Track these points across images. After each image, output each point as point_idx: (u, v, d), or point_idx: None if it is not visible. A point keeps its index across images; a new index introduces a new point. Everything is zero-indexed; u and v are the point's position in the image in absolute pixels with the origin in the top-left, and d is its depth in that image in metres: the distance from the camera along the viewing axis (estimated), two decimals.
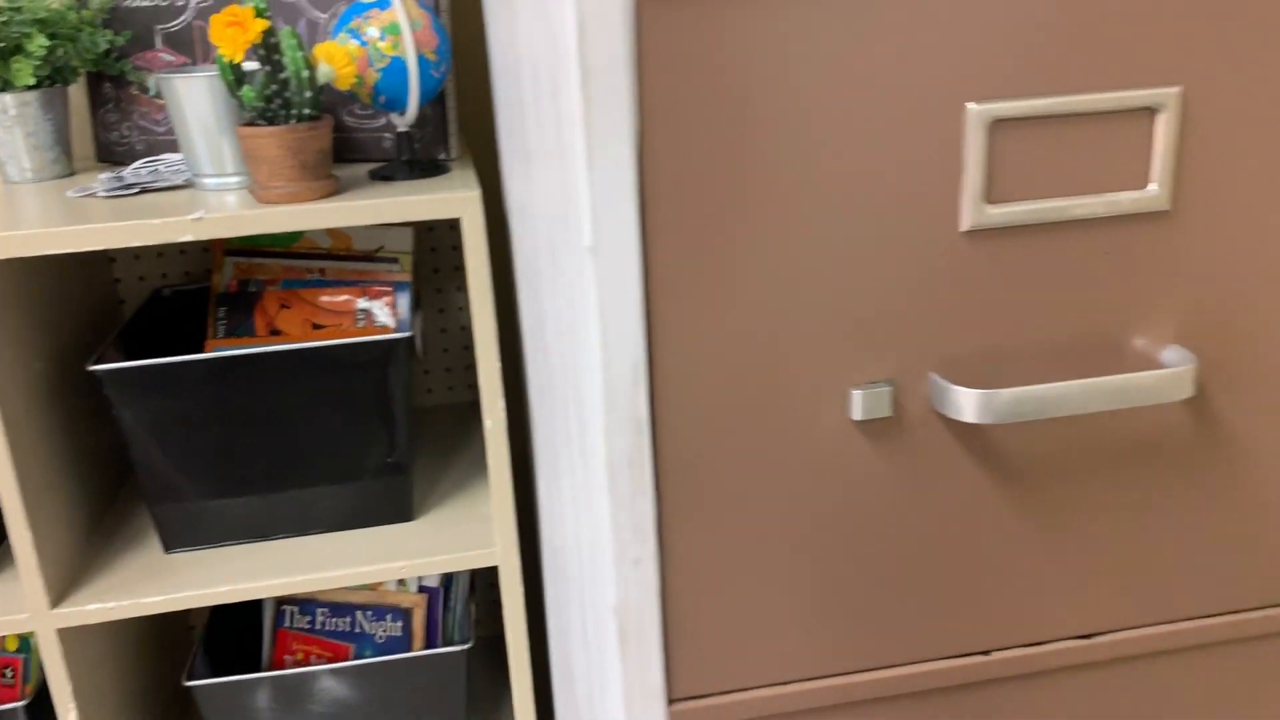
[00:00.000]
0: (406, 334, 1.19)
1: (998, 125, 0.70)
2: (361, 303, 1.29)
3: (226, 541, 1.22)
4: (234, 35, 1.02)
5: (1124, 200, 0.73)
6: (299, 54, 1.04)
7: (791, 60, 0.67)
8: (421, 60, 1.11)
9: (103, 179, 1.15)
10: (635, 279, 0.68)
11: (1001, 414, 0.72)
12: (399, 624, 1.37)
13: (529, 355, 1.11)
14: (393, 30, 1.10)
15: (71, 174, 1.23)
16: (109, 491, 1.33)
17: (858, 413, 0.74)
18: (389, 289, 1.29)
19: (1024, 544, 0.81)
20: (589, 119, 0.65)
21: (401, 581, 1.37)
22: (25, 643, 1.28)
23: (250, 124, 1.07)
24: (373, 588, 1.37)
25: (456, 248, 1.51)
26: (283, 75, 1.04)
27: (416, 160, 1.18)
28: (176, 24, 1.22)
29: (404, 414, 1.21)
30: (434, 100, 1.20)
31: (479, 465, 1.38)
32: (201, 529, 1.21)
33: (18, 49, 1.14)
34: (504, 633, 1.24)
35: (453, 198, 1.08)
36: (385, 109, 1.14)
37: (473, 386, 1.56)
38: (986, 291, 0.74)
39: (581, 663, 0.97)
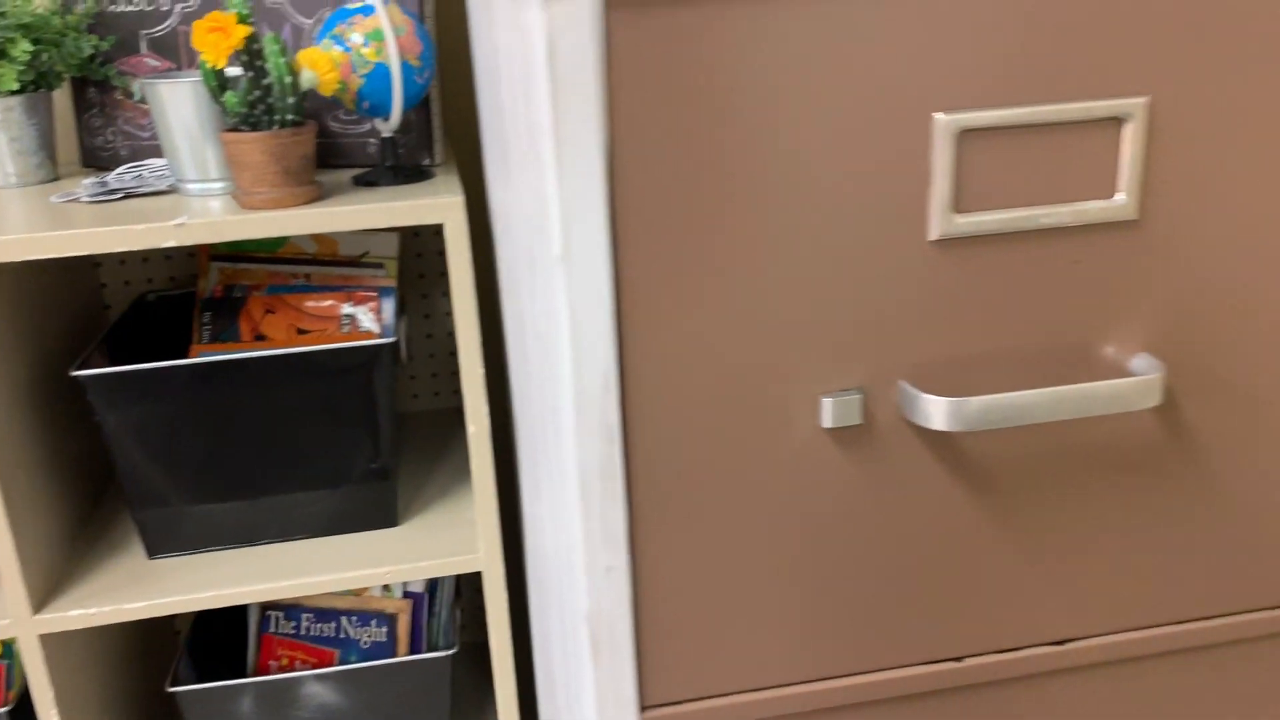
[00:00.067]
0: (390, 339, 1.19)
1: (965, 135, 0.71)
2: (346, 308, 1.30)
3: (210, 547, 1.23)
4: (216, 41, 1.03)
5: (1092, 209, 0.74)
6: (282, 60, 1.05)
7: (761, 72, 0.68)
8: (405, 66, 1.12)
9: (87, 184, 1.16)
10: (605, 288, 0.70)
11: (970, 422, 0.73)
12: (384, 629, 1.38)
13: (512, 361, 1.13)
14: (376, 36, 1.11)
15: (56, 179, 1.25)
16: (92, 497, 1.34)
17: (828, 420, 0.76)
18: (374, 294, 1.30)
19: (995, 551, 0.82)
20: (558, 129, 0.66)
21: (386, 587, 1.38)
22: (8, 649, 1.29)
23: (233, 129, 1.08)
24: (357, 593, 1.38)
25: (443, 253, 1.52)
26: (266, 81, 1.05)
27: (400, 166, 1.19)
28: (161, 29, 1.23)
29: (388, 419, 1.22)
30: (418, 106, 1.22)
31: (464, 471, 1.39)
32: (185, 534, 1.22)
33: (1, 54, 1.15)
34: (488, 639, 1.25)
35: (435, 203, 1.09)
36: (369, 115, 1.15)
37: (458, 392, 1.57)
38: (956, 300, 0.75)
39: (561, 670, 0.98)
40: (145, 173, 1.20)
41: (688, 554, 0.77)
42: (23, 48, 1.15)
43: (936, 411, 0.73)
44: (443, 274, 1.53)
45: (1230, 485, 0.84)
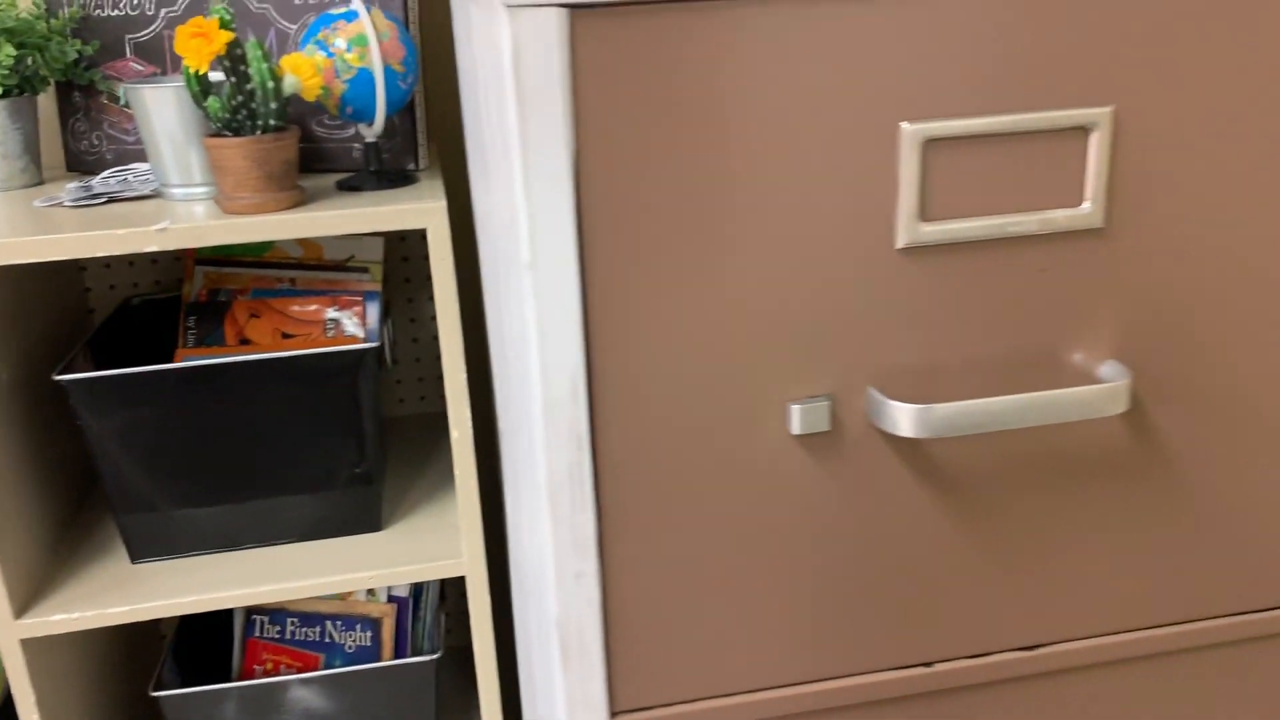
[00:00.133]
0: (374, 344, 1.20)
1: (931, 144, 0.72)
2: (331, 312, 1.31)
3: (194, 551, 1.24)
4: (198, 46, 1.04)
5: (1058, 218, 0.75)
6: (264, 65, 1.06)
7: (728, 81, 0.69)
8: (388, 71, 1.13)
9: (71, 188, 1.17)
10: (573, 295, 0.71)
11: (937, 428, 0.74)
12: (368, 634, 1.39)
13: (494, 367, 1.14)
14: (360, 42, 1.12)
15: (40, 183, 1.26)
16: (76, 501, 1.34)
17: (796, 427, 0.77)
18: (358, 299, 1.31)
19: (965, 556, 0.83)
20: (525, 137, 0.67)
21: (371, 591, 1.39)
22: None
23: (216, 135, 1.09)
24: (342, 598, 1.39)
25: (428, 258, 1.53)
26: (248, 86, 1.06)
27: (384, 171, 1.20)
28: (146, 34, 1.24)
29: (373, 424, 1.23)
30: (403, 111, 1.23)
31: (449, 475, 1.40)
32: (168, 539, 1.22)
33: None
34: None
35: (418, 208, 1.10)
36: (353, 120, 1.16)
37: (444, 397, 1.58)
38: (923, 308, 0.76)
39: (540, 675, 0.99)
40: (130, 177, 1.21)
41: (657, 560, 0.78)
42: (6, 52, 1.16)
43: (903, 418, 0.74)
44: (429, 279, 1.54)
45: (1199, 491, 0.85)
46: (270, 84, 1.07)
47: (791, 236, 0.73)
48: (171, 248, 1.05)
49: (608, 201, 0.70)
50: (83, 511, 1.36)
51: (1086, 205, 0.76)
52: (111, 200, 1.17)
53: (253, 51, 1.05)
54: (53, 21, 1.21)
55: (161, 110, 1.14)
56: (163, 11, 1.24)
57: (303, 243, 1.34)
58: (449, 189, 1.52)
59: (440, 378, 1.57)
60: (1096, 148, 0.75)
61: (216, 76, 1.09)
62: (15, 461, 1.17)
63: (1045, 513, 0.83)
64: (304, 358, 1.18)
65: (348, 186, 1.18)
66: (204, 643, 1.43)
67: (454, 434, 1.18)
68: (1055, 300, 0.78)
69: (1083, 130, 0.75)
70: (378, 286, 1.33)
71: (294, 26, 1.24)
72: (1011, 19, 0.72)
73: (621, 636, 0.80)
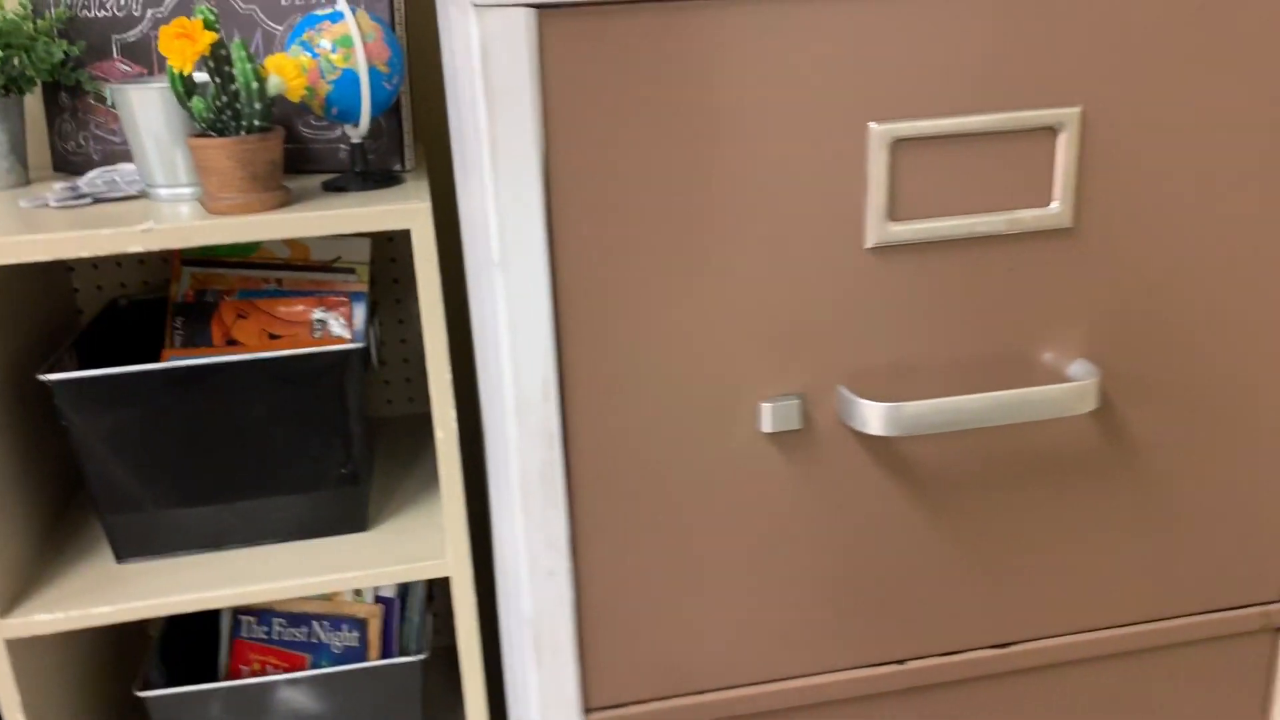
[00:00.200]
0: (360, 345, 1.21)
1: (899, 144, 0.73)
2: (317, 313, 1.31)
3: (179, 552, 1.25)
4: (183, 47, 1.05)
5: (1026, 218, 0.76)
6: (248, 66, 1.06)
7: (697, 80, 0.70)
8: (373, 72, 1.14)
9: (57, 189, 1.18)
10: (544, 293, 0.72)
11: (906, 427, 0.75)
12: (355, 634, 1.40)
13: (478, 367, 1.14)
14: (345, 43, 1.13)
15: (27, 184, 1.26)
16: (62, 501, 1.35)
17: (767, 425, 0.77)
18: (345, 299, 1.32)
19: (937, 554, 0.83)
20: (494, 136, 0.68)
21: (358, 592, 1.40)
22: None
23: (201, 135, 1.10)
24: (329, 598, 1.40)
25: None
26: (233, 87, 1.07)
27: (370, 171, 1.21)
28: (133, 34, 1.25)
29: (359, 424, 1.24)
30: (389, 112, 1.23)
31: (436, 476, 1.40)
32: (154, 539, 1.23)
33: None
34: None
35: (403, 209, 1.11)
36: (338, 120, 1.17)
37: None
38: (893, 307, 0.77)
39: (517, 673, 1.00)
40: (116, 177, 1.22)
41: (629, 558, 0.79)
42: None
43: (873, 416, 0.75)
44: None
45: (1168, 489, 0.86)
46: (254, 85, 1.07)
47: (762, 236, 0.74)
48: (156, 248, 1.06)
49: (578, 200, 0.71)
50: (69, 511, 1.37)
51: (1055, 205, 0.77)
52: (97, 201, 1.18)
53: (237, 52, 1.06)
54: (39, 22, 1.22)
55: (147, 111, 1.14)
56: (149, 12, 1.25)
57: (290, 243, 1.35)
58: (435, 190, 1.53)
59: (427, 378, 1.58)
60: (1064, 148, 0.76)
61: (201, 77, 1.10)
62: (1, 462, 1.18)
63: (1016, 511, 0.84)
64: (290, 358, 1.19)
65: (333, 187, 1.19)
66: (191, 643, 1.43)
67: (439, 434, 1.18)
68: (1024, 300, 0.79)
69: (1051, 131, 0.76)
70: (364, 287, 1.33)
71: (280, 27, 1.25)
72: (979, 20, 0.73)
73: (594, 634, 0.80)
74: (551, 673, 0.80)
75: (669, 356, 0.75)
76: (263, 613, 1.41)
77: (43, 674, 1.25)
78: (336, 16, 1.13)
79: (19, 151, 1.25)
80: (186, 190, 1.17)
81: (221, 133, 1.09)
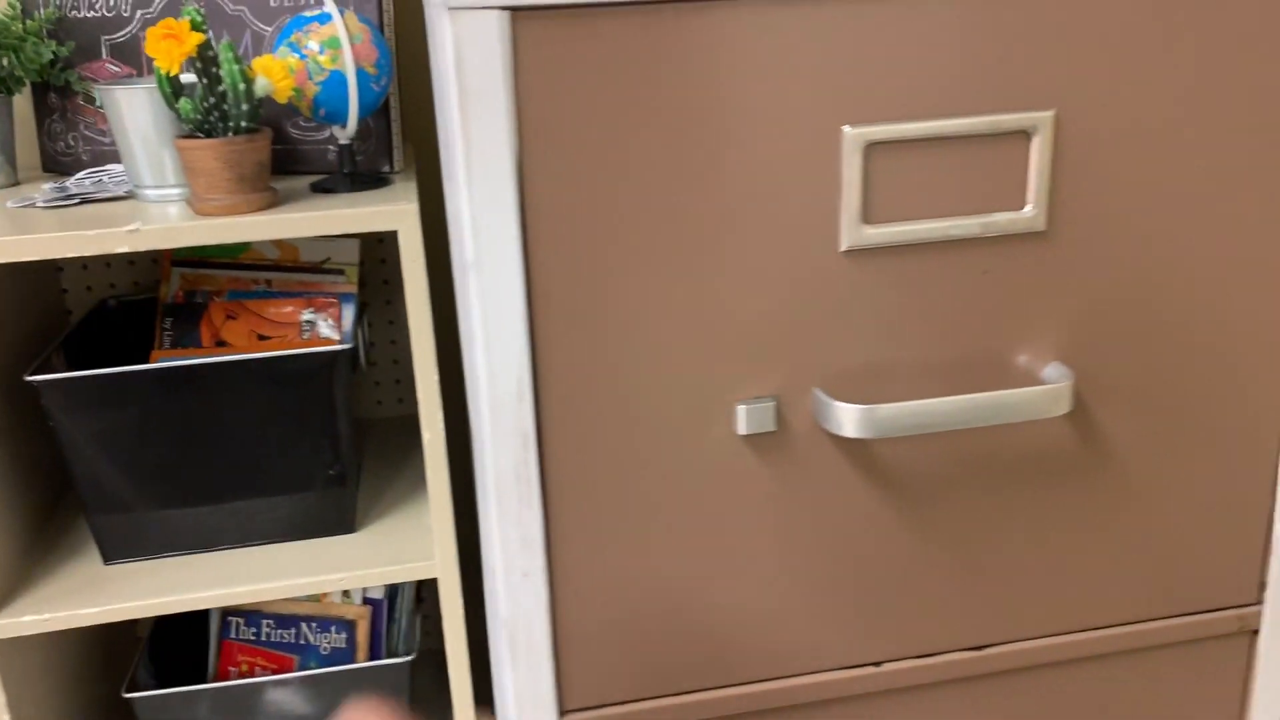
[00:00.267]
0: (348, 346, 1.21)
1: (873, 148, 0.74)
2: (306, 314, 1.32)
3: (166, 553, 1.25)
4: (169, 48, 1.06)
5: (1000, 221, 0.77)
6: (235, 67, 1.07)
7: (670, 84, 0.71)
8: (361, 74, 1.15)
9: (45, 189, 1.19)
10: (518, 294, 0.72)
11: (881, 429, 0.75)
12: (343, 635, 1.40)
13: (465, 368, 1.15)
14: (332, 44, 1.13)
15: (16, 184, 1.27)
16: (51, 502, 1.36)
17: (743, 427, 0.78)
18: (334, 300, 1.32)
19: (913, 556, 0.84)
20: (468, 137, 0.68)
21: (346, 593, 1.40)
22: None
23: (188, 136, 1.10)
24: (318, 599, 1.40)
25: None
26: (220, 88, 1.07)
27: (358, 173, 1.21)
28: (122, 35, 1.26)
29: (347, 426, 1.24)
30: (377, 113, 1.24)
31: (425, 477, 1.41)
32: (141, 540, 1.24)
33: None
34: None
35: (390, 210, 1.11)
36: (326, 121, 1.17)
37: None
38: (869, 309, 0.78)
39: (496, 674, 1.00)
40: (105, 178, 1.23)
41: (605, 559, 0.80)
42: None
43: (848, 418, 0.76)
44: None
45: (1144, 491, 0.87)
46: (241, 86, 1.08)
47: (737, 238, 0.75)
48: (142, 249, 1.06)
49: (553, 202, 0.71)
50: (57, 512, 1.37)
51: (1029, 209, 0.77)
52: (85, 201, 1.18)
53: (224, 53, 1.07)
54: (28, 22, 1.23)
55: (134, 111, 1.15)
56: (138, 13, 1.25)
57: (279, 245, 1.35)
58: (425, 192, 1.53)
59: None
60: (1038, 152, 0.76)
61: (189, 78, 1.11)
62: None
63: (992, 513, 0.85)
64: (278, 359, 1.20)
65: (321, 188, 1.20)
66: (180, 644, 1.44)
67: (426, 436, 1.19)
68: (999, 302, 0.80)
69: (1024, 134, 0.76)
70: (353, 288, 1.34)
71: (269, 29, 1.25)
72: (953, 24, 0.73)
73: (569, 636, 0.81)
74: (527, 673, 0.80)
75: (644, 357, 0.76)
76: (251, 614, 1.42)
77: (30, 675, 1.25)
78: (324, 18, 1.14)
79: (8, 152, 1.26)
80: (174, 191, 1.18)
81: (209, 134, 1.10)
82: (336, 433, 1.25)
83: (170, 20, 1.05)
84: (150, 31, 1.05)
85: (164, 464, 1.22)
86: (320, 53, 1.13)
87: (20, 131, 1.30)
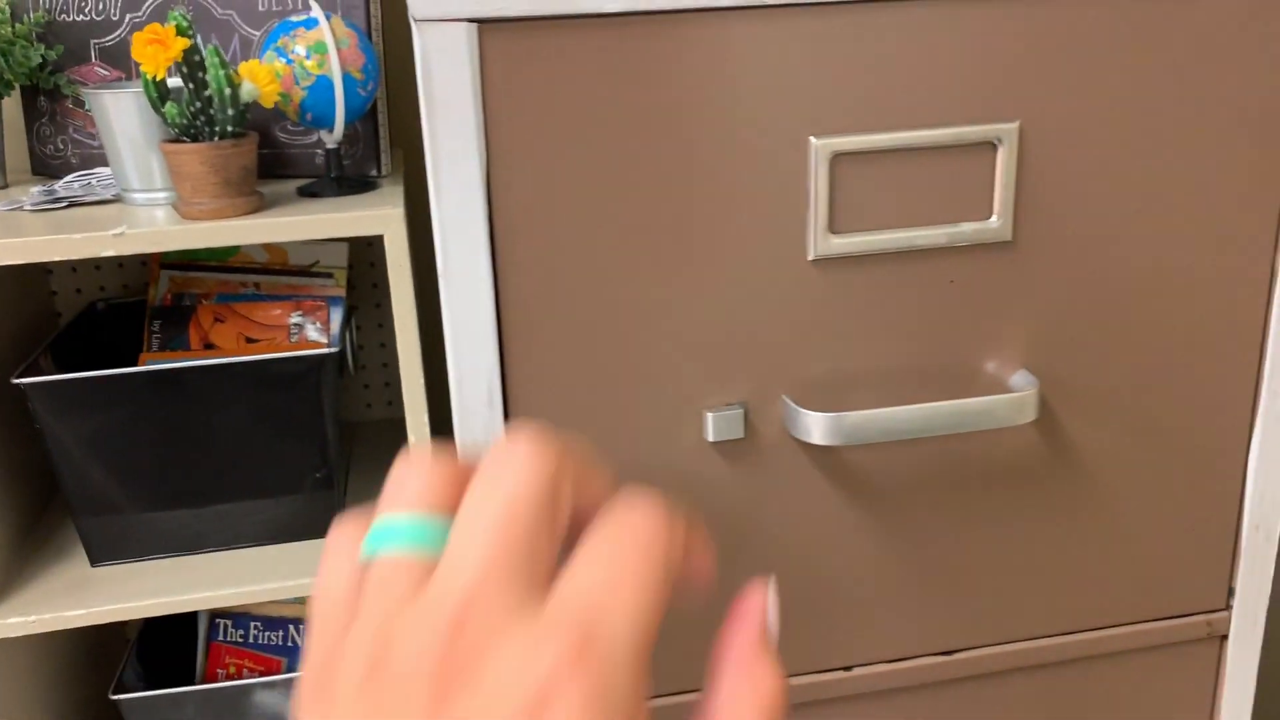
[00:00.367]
0: (334, 349, 1.23)
1: (840, 158, 0.75)
2: (294, 317, 1.33)
3: (153, 555, 1.27)
4: (155, 53, 1.07)
5: (966, 231, 0.78)
6: (221, 72, 1.08)
7: (638, 95, 0.72)
8: (347, 79, 1.16)
9: (34, 192, 1.20)
10: (487, 303, 0.73)
11: (848, 436, 0.77)
12: None
13: None
14: (319, 49, 1.14)
15: (5, 186, 1.29)
16: (38, 504, 1.37)
17: (711, 434, 0.79)
18: (322, 304, 1.33)
19: (882, 562, 0.85)
20: (435, 147, 0.70)
21: None
22: None
23: (174, 140, 1.12)
24: (306, 602, 1.42)
25: None
26: (206, 93, 1.09)
27: (345, 177, 1.23)
28: (111, 39, 1.27)
29: (334, 428, 1.26)
30: (365, 118, 1.25)
31: None
32: (128, 542, 1.25)
33: None
34: None
35: (375, 215, 1.13)
36: (313, 126, 1.19)
37: None
38: (837, 318, 0.79)
39: None
40: (93, 181, 1.24)
41: None
42: None
43: (815, 426, 0.77)
44: None
45: (1111, 497, 0.88)
46: (227, 91, 1.09)
47: (706, 247, 0.76)
48: (128, 252, 1.08)
49: (522, 212, 0.73)
50: (46, 514, 1.39)
51: (995, 219, 0.79)
52: (73, 204, 1.20)
53: (210, 58, 1.08)
54: (17, 26, 1.24)
55: (122, 115, 1.16)
56: (127, 17, 1.27)
57: (268, 248, 1.37)
58: (413, 196, 1.55)
59: None
60: (1003, 163, 0.77)
61: (175, 82, 1.12)
62: None
63: (962, 519, 0.86)
64: (265, 362, 1.21)
65: (308, 192, 1.21)
66: (169, 646, 1.45)
67: (411, 439, 1.20)
68: (966, 311, 0.81)
69: (990, 146, 0.77)
70: (341, 292, 1.35)
71: (257, 33, 1.27)
72: (919, 37, 0.75)
73: None
74: None
75: (614, 365, 0.77)
76: (240, 616, 1.43)
77: (18, 676, 1.27)
78: (311, 23, 1.15)
79: None
80: (162, 195, 1.19)
81: (195, 138, 1.11)
82: (324, 435, 1.26)
83: (156, 25, 1.06)
84: (136, 37, 1.07)
85: (151, 466, 1.23)
86: (307, 58, 1.14)
87: (9, 134, 1.32)
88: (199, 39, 1.10)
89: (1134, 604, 0.92)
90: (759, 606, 0.40)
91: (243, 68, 1.12)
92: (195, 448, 1.24)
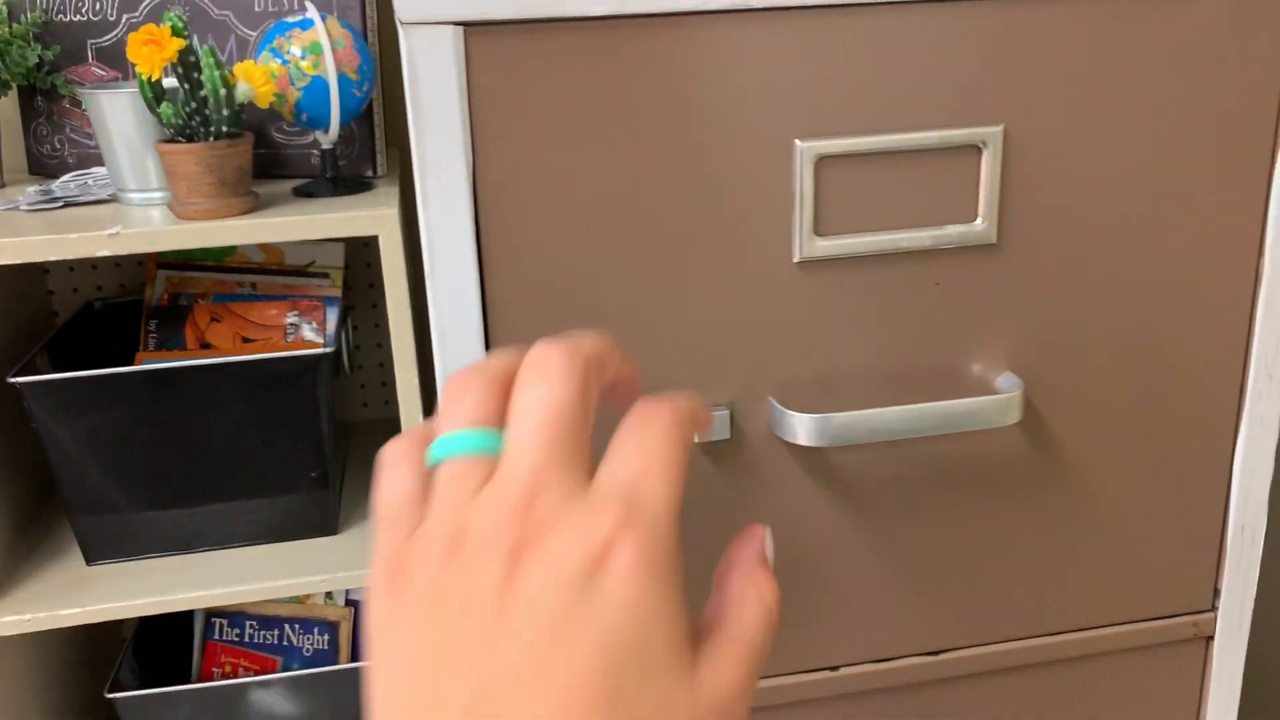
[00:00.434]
0: (330, 349, 1.24)
1: (824, 161, 0.76)
2: (290, 317, 1.34)
3: (149, 554, 1.28)
4: (150, 53, 1.08)
5: (951, 234, 0.79)
6: (216, 73, 1.09)
7: (625, 98, 0.73)
8: (342, 79, 1.17)
9: (30, 192, 1.21)
10: (473, 304, 0.74)
11: (834, 437, 0.78)
12: (326, 637, 1.43)
13: None
14: (314, 50, 1.15)
15: (2, 186, 1.30)
16: (34, 503, 1.38)
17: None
18: (318, 304, 1.34)
19: (869, 562, 0.86)
20: (422, 150, 0.71)
21: (329, 595, 1.43)
22: None
23: (170, 140, 1.13)
24: (301, 601, 1.43)
25: None
26: (201, 93, 1.10)
27: (340, 178, 1.24)
28: (108, 39, 1.29)
29: (329, 428, 1.27)
30: (361, 118, 1.26)
31: None
32: (124, 541, 1.26)
33: None
34: None
35: (370, 215, 1.14)
36: (308, 126, 1.20)
37: None
38: (822, 320, 0.80)
39: None
40: (90, 181, 1.25)
41: None
42: None
43: (801, 427, 0.78)
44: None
45: (1097, 499, 0.89)
46: (222, 91, 1.10)
47: (692, 249, 0.77)
48: (123, 252, 1.09)
49: (507, 213, 0.74)
50: (42, 513, 1.40)
51: (980, 222, 0.80)
52: (69, 204, 1.21)
53: (206, 59, 1.09)
54: (14, 26, 1.25)
55: (117, 115, 1.18)
56: (124, 17, 1.28)
57: (264, 248, 1.38)
58: (408, 197, 1.56)
59: None
60: (988, 166, 0.78)
61: (171, 83, 1.13)
62: None
63: (948, 519, 0.87)
64: (261, 362, 1.22)
65: (304, 193, 1.22)
66: (165, 645, 1.46)
67: None
68: (952, 313, 0.82)
69: (975, 149, 0.78)
70: (337, 292, 1.36)
71: (254, 34, 1.28)
72: (904, 41, 0.76)
73: None
74: None
75: None
76: (235, 615, 1.45)
77: (13, 675, 1.28)
78: (307, 24, 1.16)
79: None
80: (157, 195, 1.20)
81: (190, 138, 1.12)
82: (319, 435, 1.27)
83: (151, 26, 1.08)
84: (131, 37, 1.08)
85: (148, 465, 1.24)
86: (302, 58, 1.15)
87: (7, 134, 1.33)
88: (194, 39, 1.11)
89: (1120, 605, 0.92)
90: (759, 534, 0.49)
91: (238, 68, 1.13)
92: (191, 447, 1.25)
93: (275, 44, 1.17)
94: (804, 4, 0.74)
